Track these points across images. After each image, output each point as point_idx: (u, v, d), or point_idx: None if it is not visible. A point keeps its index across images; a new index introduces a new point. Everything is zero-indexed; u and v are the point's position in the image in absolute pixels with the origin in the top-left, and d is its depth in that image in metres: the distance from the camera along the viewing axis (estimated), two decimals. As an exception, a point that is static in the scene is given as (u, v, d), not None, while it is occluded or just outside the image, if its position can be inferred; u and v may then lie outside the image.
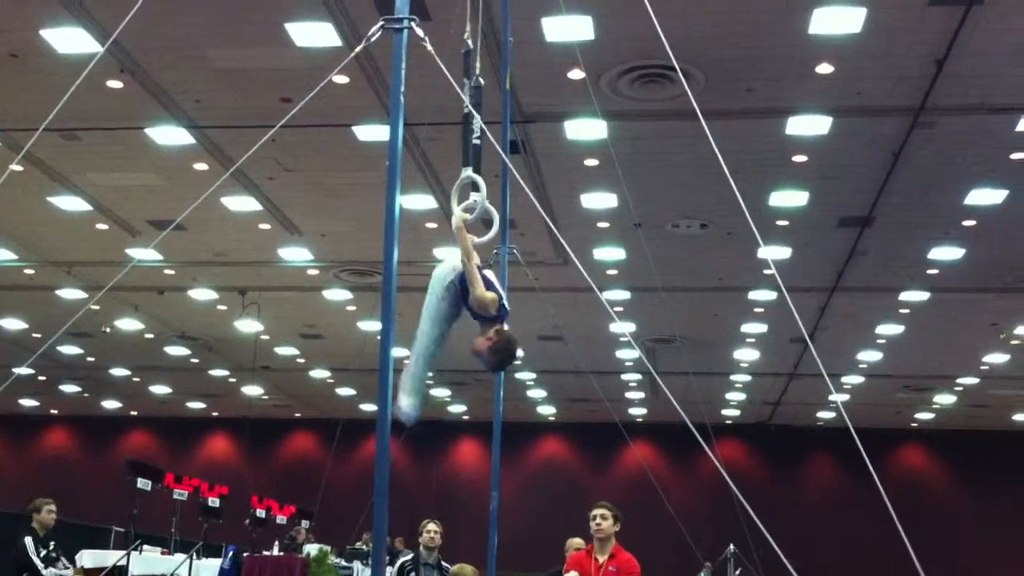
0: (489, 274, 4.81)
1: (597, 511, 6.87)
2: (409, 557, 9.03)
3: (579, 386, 25.64)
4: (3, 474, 29.97)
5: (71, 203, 15.86)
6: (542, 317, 19.31)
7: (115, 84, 12.01)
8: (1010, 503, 28.89)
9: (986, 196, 14.42)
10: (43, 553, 9.49)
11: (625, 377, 25.93)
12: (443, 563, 8.99)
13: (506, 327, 4.75)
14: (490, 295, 4.64)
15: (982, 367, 23.50)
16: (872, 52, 11.03)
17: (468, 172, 5.11)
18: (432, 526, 9.05)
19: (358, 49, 4.65)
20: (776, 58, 11.26)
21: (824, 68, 11.34)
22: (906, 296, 18.84)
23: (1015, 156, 13.17)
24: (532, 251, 15.90)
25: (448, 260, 4.89)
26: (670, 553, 21.21)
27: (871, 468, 4.74)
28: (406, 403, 4.63)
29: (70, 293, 19.93)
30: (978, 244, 16.12)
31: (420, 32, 4.39)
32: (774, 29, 10.76)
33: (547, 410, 30.64)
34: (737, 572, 17.89)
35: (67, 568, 9.79)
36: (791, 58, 11.24)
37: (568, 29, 10.64)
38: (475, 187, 5.06)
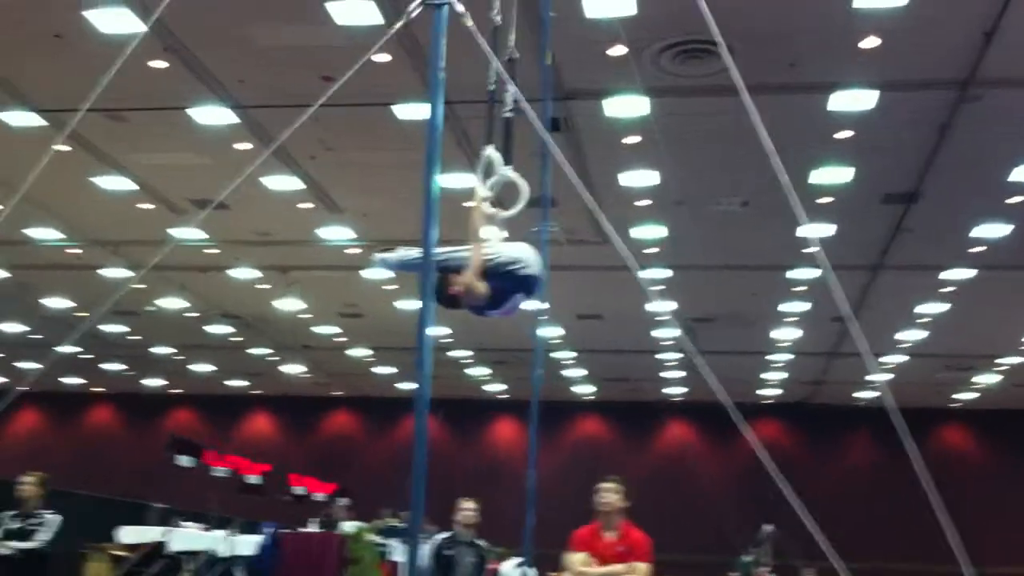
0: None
1: (603, 485, 6.67)
2: (446, 535, 9.04)
3: (618, 365, 25.60)
4: (48, 451, 30.44)
5: (116, 183, 16.01)
6: (581, 296, 19.30)
7: (158, 64, 12.07)
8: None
9: (1034, 172, 14.19)
10: (16, 526, 9.51)
11: (664, 356, 25.84)
12: (478, 541, 9.00)
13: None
14: (481, 286, 4.71)
15: (1027, 346, 23.20)
16: (918, 24, 10.84)
17: (488, 150, 5.11)
18: (468, 504, 9.04)
19: (398, 25, 4.63)
20: (819, 32, 11.11)
21: (869, 42, 11.17)
22: (951, 274, 18.60)
23: (1064, 131, 12.94)
24: (572, 229, 15.84)
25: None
26: (709, 531, 21.22)
27: (909, 446, 4.69)
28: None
29: (115, 272, 20.14)
30: (1025, 221, 15.88)
31: (460, 7, 4.37)
32: (817, 2, 10.62)
33: (585, 389, 30.63)
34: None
35: (34, 543, 9.60)
36: (834, 32, 11.08)
37: (609, 4, 10.56)
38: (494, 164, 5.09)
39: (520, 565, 14.41)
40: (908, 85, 12.21)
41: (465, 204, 5.13)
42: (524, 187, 5.16)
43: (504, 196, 5.26)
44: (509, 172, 5.02)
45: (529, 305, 5.41)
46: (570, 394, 30.52)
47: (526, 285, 5.12)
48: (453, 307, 5.01)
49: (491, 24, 5.31)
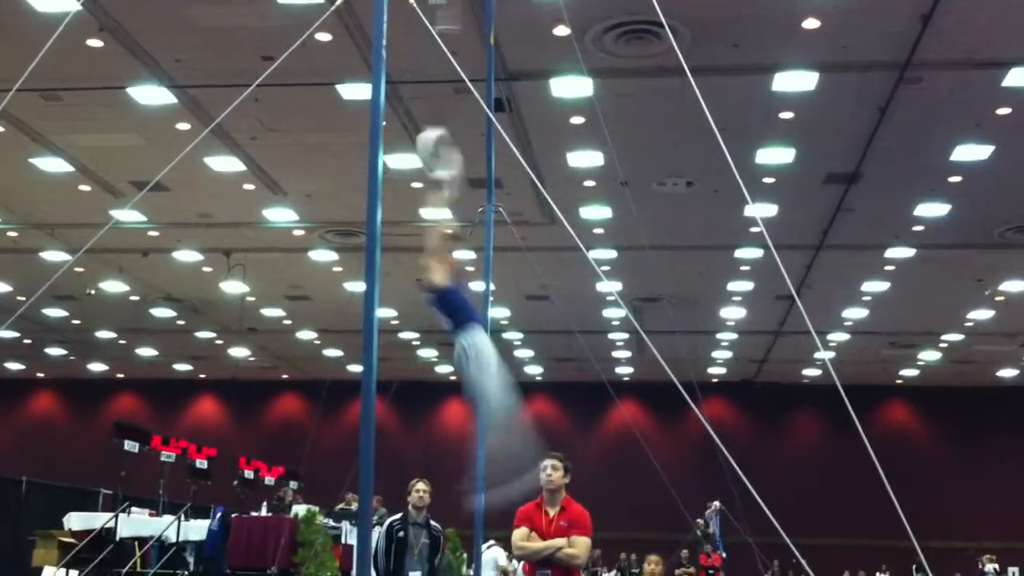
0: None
1: (548, 462, 6.70)
2: (398, 517, 9.02)
3: (566, 345, 25.70)
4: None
5: (53, 164, 15.71)
6: (529, 276, 19.31)
7: (95, 43, 11.86)
8: (994, 456, 29.21)
9: (972, 152, 14.43)
10: None
11: (612, 336, 25.98)
12: (431, 522, 8.99)
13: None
14: (437, 277, 4.90)
15: (967, 323, 23.63)
16: (858, 7, 10.97)
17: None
18: (421, 485, 9.01)
19: (339, 2, 4.57)
20: (762, 14, 11.18)
21: (810, 23, 11.28)
22: (892, 253, 18.88)
23: (1001, 111, 13.16)
24: (519, 211, 15.82)
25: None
26: (659, 509, 21.35)
27: (857, 423, 4.75)
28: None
29: (54, 255, 19.79)
30: (964, 200, 16.14)
31: (402, -14, 4.32)
32: (760, -16, 10.69)
33: (534, 370, 30.73)
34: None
35: None
36: (777, 13, 11.16)
37: (553, -15, 10.53)
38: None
39: (490, 547, 14.48)
40: (848, 67, 12.34)
41: (413, 185, 5.09)
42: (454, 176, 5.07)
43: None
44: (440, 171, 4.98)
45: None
46: (519, 374, 30.55)
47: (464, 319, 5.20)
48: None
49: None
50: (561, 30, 11.26)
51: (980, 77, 12.43)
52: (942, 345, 25.92)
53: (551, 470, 6.59)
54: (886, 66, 12.21)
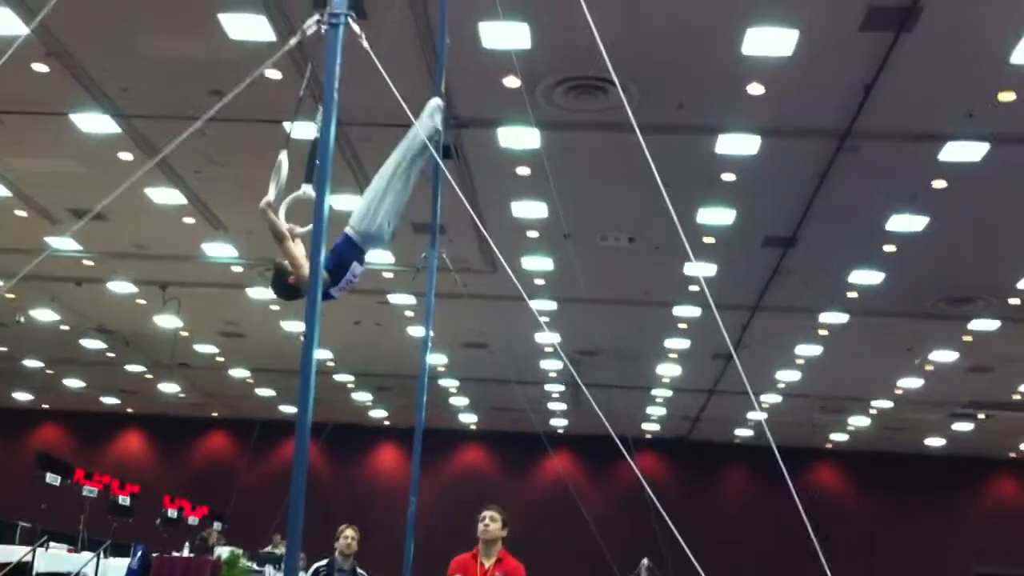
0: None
1: (487, 512, 6.68)
2: (324, 563, 8.90)
3: (502, 395, 25.62)
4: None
5: (-12, 188, 15.42)
6: (468, 324, 19.29)
7: (40, 68, 11.71)
8: (920, 523, 29.54)
9: (907, 222, 14.73)
10: None
11: (548, 388, 25.97)
12: (358, 569, 8.88)
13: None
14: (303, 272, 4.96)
15: (897, 391, 23.98)
16: (802, 75, 11.21)
17: (306, 188, 5.04)
18: (349, 532, 8.93)
19: (294, 41, 4.56)
20: (708, 76, 11.39)
21: (755, 88, 11.50)
22: (826, 318, 19.15)
23: (936, 184, 13.47)
24: (461, 258, 15.83)
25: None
26: (585, 563, 21.28)
27: (790, 482, 4.78)
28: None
29: (-17, 281, 19.35)
30: (897, 269, 16.45)
31: (357, 28, 4.33)
32: (707, 47, 10.88)
33: (469, 418, 30.57)
34: None
35: None
36: (723, 77, 11.37)
37: (505, 36, 10.65)
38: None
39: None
40: (791, 132, 12.58)
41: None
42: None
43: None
44: (308, 189, 4.98)
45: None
46: (453, 422, 30.41)
47: (353, 251, 5.20)
48: (293, 297, 5.17)
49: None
50: (511, 81, 11.37)
51: (918, 149, 12.73)
52: (872, 411, 26.27)
53: (489, 520, 6.57)
54: (827, 133, 12.47)
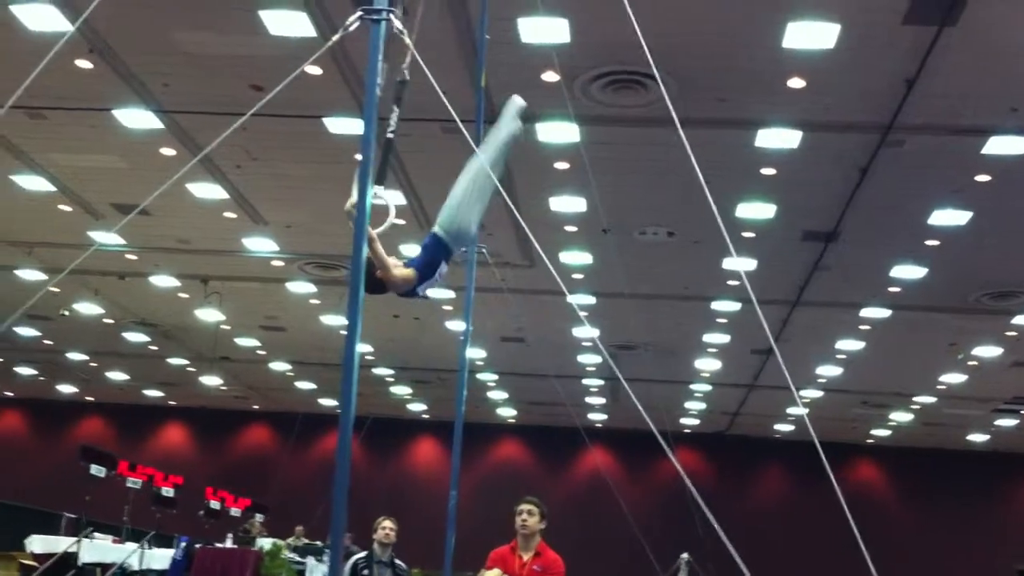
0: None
1: (524, 506, 6.63)
2: (363, 555, 8.95)
3: (540, 389, 25.63)
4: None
5: (34, 183, 15.63)
6: (506, 318, 19.31)
7: (84, 64, 11.85)
8: (961, 519, 29.23)
9: (950, 217, 14.58)
10: None
11: (586, 382, 25.95)
12: (396, 561, 8.93)
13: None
14: (400, 273, 4.93)
15: (939, 386, 23.74)
16: (844, 68, 11.10)
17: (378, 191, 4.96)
18: (388, 523, 8.98)
19: (336, 38, 4.59)
20: (749, 70, 11.31)
21: (796, 82, 11.41)
22: (867, 312, 18.99)
23: (980, 178, 13.31)
24: (499, 252, 15.85)
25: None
26: (622, 558, 21.26)
27: (832, 479, 4.75)
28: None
29: (29, 274, 19.64)
30: (940, 264, 16.28)
31: (399, 24, 4.34)
32: (748, 41, 10.81)
33: (507, 412, 30.62)
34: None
35: None
36: (764, 71, 11.29)
37: (544, 31, 10.65)
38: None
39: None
40: (832, 127, 12.48)
41: (397, 221, 5.07)
42: (390, 208, 5.00)
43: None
44: (380, 192, 4.89)
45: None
46: (491, 416, 30.48)
47: (443, 251, 5.20)
48: (380, 291, 5.06)
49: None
50: (550, 76, 11.36)
51: (961, 143, 12.59)
52: (913, 407, 26.03)
53: (527, 515, 6.56)
54: (869, 128, 12.36)
